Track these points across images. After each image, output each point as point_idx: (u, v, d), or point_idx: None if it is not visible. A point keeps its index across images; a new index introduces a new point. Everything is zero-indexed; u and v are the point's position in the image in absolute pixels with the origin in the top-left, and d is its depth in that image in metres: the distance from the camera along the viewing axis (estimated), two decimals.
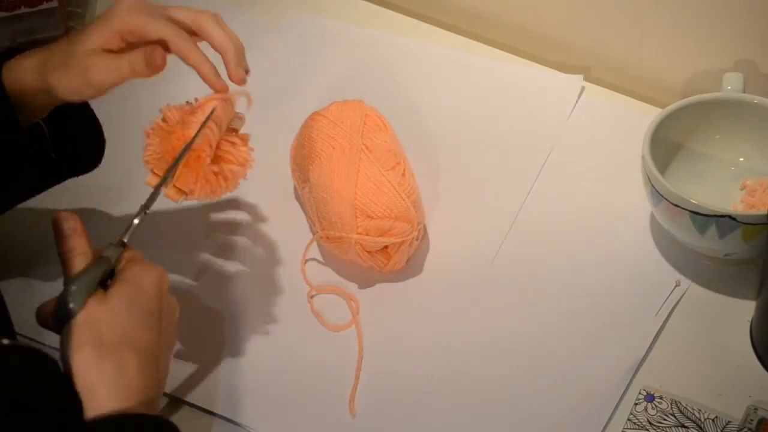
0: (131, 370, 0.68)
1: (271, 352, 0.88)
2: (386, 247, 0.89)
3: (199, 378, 0.86)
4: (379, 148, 0.91)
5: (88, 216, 0.95)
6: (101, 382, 0.67)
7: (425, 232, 0.95)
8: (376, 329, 0.89)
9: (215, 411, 0.84)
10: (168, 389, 0.84)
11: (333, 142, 0.91)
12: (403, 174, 0.91)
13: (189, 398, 0.85)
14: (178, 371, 0.86)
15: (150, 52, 0.79)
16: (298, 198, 0.97)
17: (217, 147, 0.81)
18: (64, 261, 0.73)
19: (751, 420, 0.79)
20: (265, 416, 0.84)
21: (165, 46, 0.80)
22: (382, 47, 1.13)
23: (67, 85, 0.80)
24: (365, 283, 0.92)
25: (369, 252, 0.89)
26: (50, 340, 0.73)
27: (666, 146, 0.92)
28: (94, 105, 0.90)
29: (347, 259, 0.91)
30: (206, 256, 0.95)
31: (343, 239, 0.88)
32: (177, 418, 0.83)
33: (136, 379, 0.68)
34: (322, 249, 0.94)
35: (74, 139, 0.88)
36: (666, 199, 0.86)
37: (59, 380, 0.67)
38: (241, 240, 0.96)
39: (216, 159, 0.81)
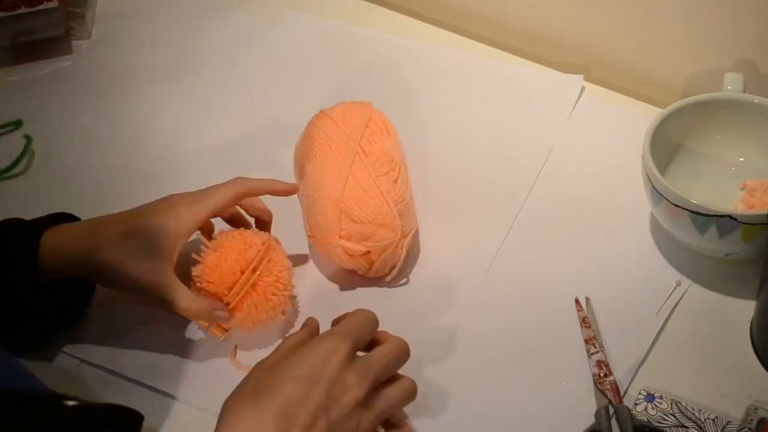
0: None
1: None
2: (369, 252, 0.89)
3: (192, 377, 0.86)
4: (376, 153, 0.91)
5: None
6: None
7: (417, 240, 0.94)
8: None
9: (206, 407, 0.83)
10: (166, 388, 0.85)
11: (330, 143, 0.91)
12: (395, 181, 0.90)
13: (182, 397, 0.85)
14: (173, 368, 0.86)
15: (216, 313, 0.83)
16: (299, 196, 0.98)
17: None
18: None
19: (751, 420, 0.79)
20: None
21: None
22: (383, 47, 1.14)
23: (145, 286, 0.82)
24: (348, 285, 0.92)
25: (351, 256, 0.89)
26: None
27: (666, 146, 0.92)
28: None
29: (331, 262, 0.91)
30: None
31: (326, 241, 0.88)
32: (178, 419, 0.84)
33: None
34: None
35: (70, 297, 0.88)
36: (666, 199, 0.86)
37: None
38: None
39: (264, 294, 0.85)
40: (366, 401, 0.73)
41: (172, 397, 0.85)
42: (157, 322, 0.88)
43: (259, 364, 0.75)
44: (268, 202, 0.92)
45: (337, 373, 0.72)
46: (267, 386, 0.71)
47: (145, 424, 0.72)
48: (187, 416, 0.84)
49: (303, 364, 0.72)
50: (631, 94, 1.07)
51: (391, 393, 0.75)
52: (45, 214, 0.88)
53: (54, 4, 1.13)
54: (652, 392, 0.83)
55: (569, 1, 1.08)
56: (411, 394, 0.77)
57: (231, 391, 0.73)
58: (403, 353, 0.77)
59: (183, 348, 0.88)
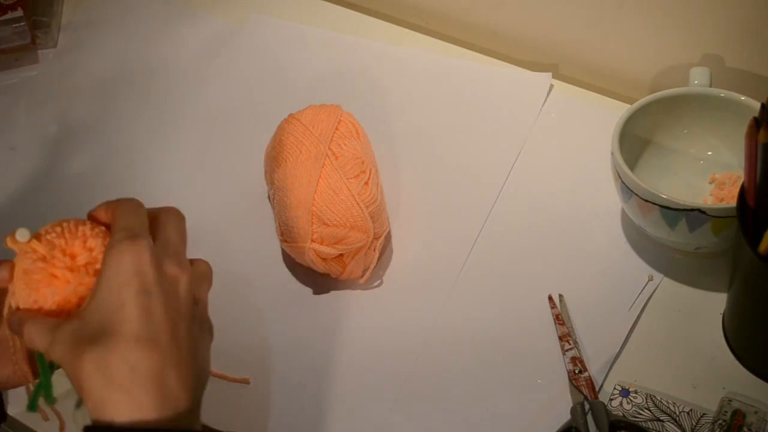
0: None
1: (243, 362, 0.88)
2: (341, 255, 0.89)
3: None
4: (346, 155, 0.91)
5: None
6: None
7: (389, 242, 0.94)
8: (331, 335, 0.89)
9: None
10: None
11: (300, 146, 0.91)
12: (366, 183, 0.90)
13: None
14: None
15: None
16: (270, 200, 0.98)
17: None
18: None
19: (726, 412, 0.80)
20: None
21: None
22: (350, 50, 1.13)
23: None
24: (321, 288, 0.92)
25: (323, 259, 0.89)
26: None
27: (635, 142, 0.93)
28: None
29: (304, 265, 0.91)
30: None
31: (298, 245, 0.88)
32: None
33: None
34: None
35: None
36: (636, 195, 0.86)
37: None
38: (209, 242, 0.96)
39: None
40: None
41: None
42: None
43: (65, 317, 0.67)
44: (239, 200, 0.91)
45: (158, 272, 0.65)
46: (106, 323, 0.63)
47: None
48: None
49: (117, 285, 0.64)
50: (599, 91, 1.07)
51: (200, 266, 0.71)
52: (11, 224, 0.87)
53: (19, 13, 1.12)
54: (626, 387, 0.83)
55: (536, 0, 1.09)
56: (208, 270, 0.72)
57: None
58: (181, 217, 0.71)
59: None
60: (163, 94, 1.12)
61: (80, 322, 0.64)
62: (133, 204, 0.70)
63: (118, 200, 0.71)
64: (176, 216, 0.71)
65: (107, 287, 0.65)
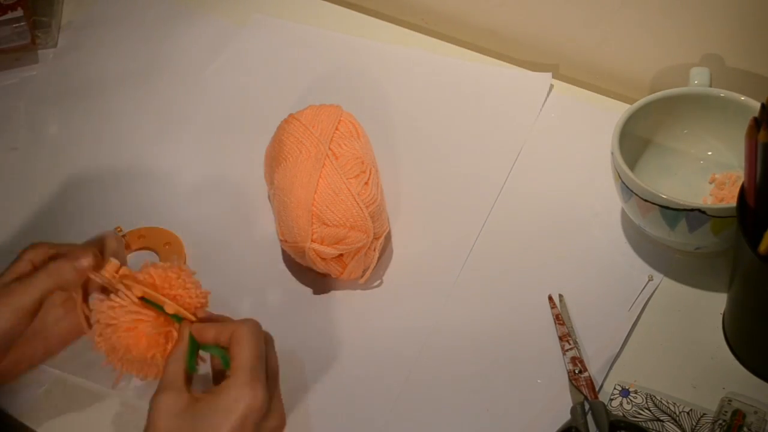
0: None
1: None
2: (341, 255, 0.89)
3: None
4: (346, 156, 0.91)
5: None
6: None
7: (389, 242, 0.94)
8: (331, 335, 0.89)
9: None
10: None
11: (300, 146, 0.91)
12: (366, 183, 0.90)
13: None
14: None
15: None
16: (270, 200, 0.98)
17: None
18: None
19: (726, 411, 0.80)
20: None
21: None
22: (351, 50, 1.14)
23: None
24: (321, 288, 0.92)
25: (323, 259, 0.89)
26: None
27: (635, 142, 0.93)
28: None
29: (304, 265, 0.91)
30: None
31: (298, 245, 0.88)
32: None
33: None
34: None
35: None
36: (636, 195, 0.86)
37: None
38: (209, 243, 0.96)
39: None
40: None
41: None
42: None
43: (160, 406, 0.71)
44: (239, 200, 0.91)
45: (257, 427, 0.71)
46: None
47: None
48: None
49: (223, 427, 0.70)
50: (599, 91, 1.07)
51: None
52: (13, 224, 0.87)
53: (19, 13, 1.12)
54: (626, 387, 0.83)
55: (536, 0, 1.09)
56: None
57: None
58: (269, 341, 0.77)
59: None
60: (164, 94, 1.12)
61: (191, 409, 0.70)
62: (257, 338, 0.74)
63: (244, 329, 0.74)
64: (270, 341, 0.76)
65: (214, 411, 0.70)
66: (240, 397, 0.70)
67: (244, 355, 0.72)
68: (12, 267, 0.77)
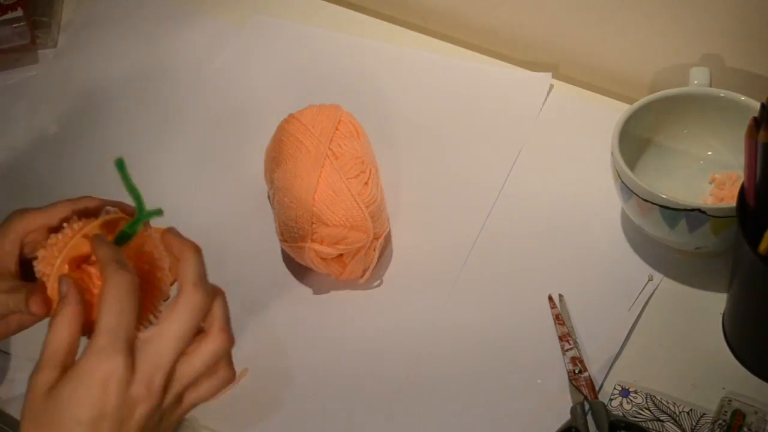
0: None
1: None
2: (341, 255, 0.89)
3: None
4: (346, 155, 0.91)
5: None
6: None
7: (389, 242, 0.94)
8: (331, 335, 0.89)
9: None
10: None
11: (300, 146, 0.91)
12: (366, 183, 0.90)
13: None
14: None
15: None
16: (270, 200, 0.98)
17: None
18: None
19: (726, 412, 0.80)
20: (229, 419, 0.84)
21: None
22: (351, 50, 1.13)
23: None
24: (321, 289, 0.92)
25: (323, 259, 0.89)
26: None
27: (635, 142, 0.93)
28: None
29: (304, 265, 0.91)
30: None
31: (298, 245, 0.88)
32: None
33: None
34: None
35: None
36: (636, 194, 0.86)
37: None
38: (209, 243, 0.96)
39: None
40: (164, 403, 0.66)
41: None
42: None
43: (34, 385, 0.66)
44: (239, 200, 0.91)
45: (121, 397, 0.65)
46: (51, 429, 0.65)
47: None
48: None
49: (82, 402, 0.64)
50: (599, 91, 1.07)
51: (196, 392, 0.68)
52: None
53: (18, 13, 1.12)
54: (626, 387, 0.83)
55: (537, 0, 1.09)
56: (222, 387, 0.69)
57: None
58: (190, 323, 0.67)
59: None
60: (164, 94, 1.12)
61: (58, 382, 0.65)
62: (123, 294, 0.66)
63: (106, 286, 0.67)
64: (184, 326, 0.66)
65: (79, 382, 0.64)
66: (94, 364, 0.64)
67: (106, 319, 0.65)
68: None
